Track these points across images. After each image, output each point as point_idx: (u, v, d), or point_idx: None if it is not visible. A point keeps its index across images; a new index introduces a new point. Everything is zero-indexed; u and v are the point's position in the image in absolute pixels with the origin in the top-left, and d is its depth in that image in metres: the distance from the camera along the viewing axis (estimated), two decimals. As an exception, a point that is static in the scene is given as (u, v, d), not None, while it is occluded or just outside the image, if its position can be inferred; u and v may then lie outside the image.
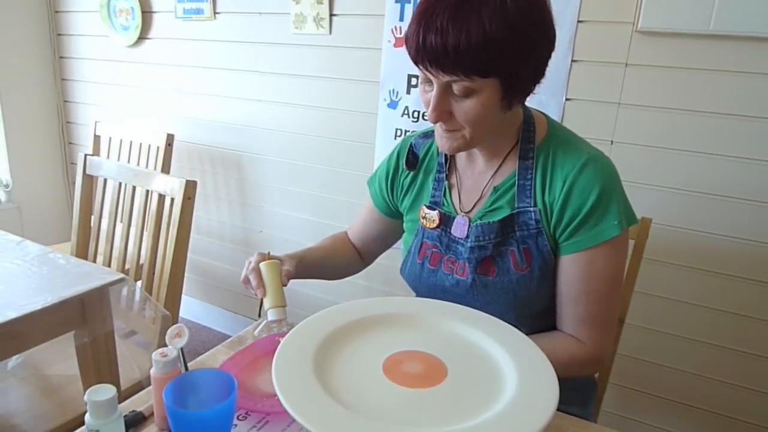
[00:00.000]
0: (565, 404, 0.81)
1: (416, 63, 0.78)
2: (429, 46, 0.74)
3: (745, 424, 1.55)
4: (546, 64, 0.81)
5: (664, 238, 1.51)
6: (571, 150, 0.86)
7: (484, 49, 0.72)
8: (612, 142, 1.53)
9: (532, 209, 0.86)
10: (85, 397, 0.63)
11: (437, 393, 0.62)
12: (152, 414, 0.76)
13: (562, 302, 0.90)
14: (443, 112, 0.80)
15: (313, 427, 0.54)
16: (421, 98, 0.84)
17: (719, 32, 1.33)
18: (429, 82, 0.80)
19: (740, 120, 1.38)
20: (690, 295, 1.54)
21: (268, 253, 0.95)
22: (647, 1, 1.38)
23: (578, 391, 1.05)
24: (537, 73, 0.81)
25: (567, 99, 1.56)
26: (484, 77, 0.75)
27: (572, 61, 1.54)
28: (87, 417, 0.63)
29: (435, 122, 0.82)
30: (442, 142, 0.86)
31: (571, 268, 0.86)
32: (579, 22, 1.50)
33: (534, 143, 0.88)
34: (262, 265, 0.91)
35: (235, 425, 0.75)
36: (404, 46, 0.80)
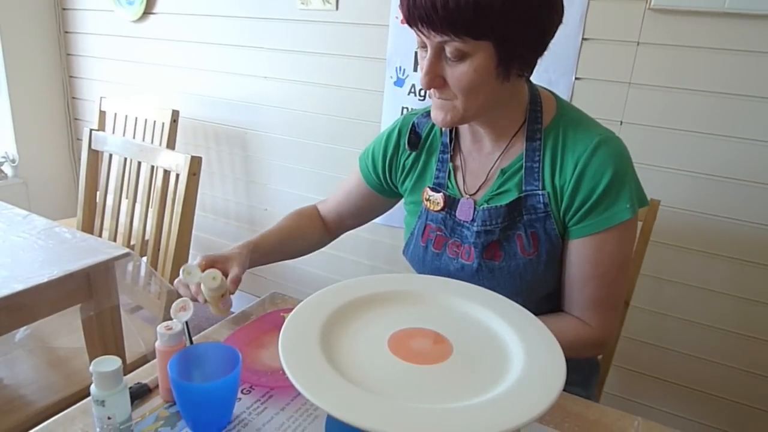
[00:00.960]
0: (568, 385, 0.81)
1: (409, 24, 0.76)
2: (419, 3, 0.71)
3: (747, 407, 1.55)
4: (548, 35, 0.77)
5: (672, 221, 1.49)
6: (582, 131, 0.84)
7: (474, 8, 0.69)
8: (621, 122, 1.51)
9: (540, 192, 0.84)
10: (91, 368, 0.63)
11: (443, 369, 0.62)
12: (157, 386, 0.76)
13: (569, 285, 0.88)
14: (436, 77, 0.77)
15: (320, 401, 0.54)
16: (419, 68, 0.80)
17: (734, 10, 1.30)
18: (424, 46, 0.77)
19: (755, 101, 1.36)
20: (696, 279, 1.53)
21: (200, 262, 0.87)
22: (662, -23, 1.35)
23: (581, 372, 1.05)
24: (537, 44, 0.77)
25: (576, 78, 1.54)
26: (476, 39, 0.72)
27: (583, 39, 1.51)
28: (92, 388, 0.63)
29: (427, 87, 0.79)
30: (435, 114, 0.83)
31: (580, 251, 0.85)
32: (591, -1, 1.47)
33: (541, 124, 0.86)
34: (202, 283, 0.83)
35: (240, 399, 0.75)
36: None
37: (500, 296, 0.75)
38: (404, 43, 1.77)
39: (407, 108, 1.83)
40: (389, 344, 0.65)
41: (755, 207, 1.41)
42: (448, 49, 0.74)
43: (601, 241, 0.83)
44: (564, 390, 0.79)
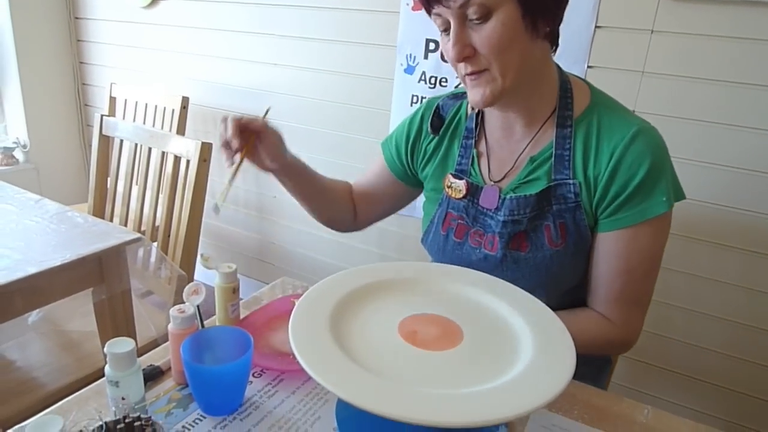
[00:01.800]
0: (578, 378, 0.81)
1: (428, 1, 0.75)
2: None
3: (753, 398, 1.55)
4: None
5: (682, 211, 1.48)
6: (618, 119, 0.81)
7: None
8: (634, 111, 1.49)
9: (571, 181, 0.82)
10: (105, 349, 0.64)
11: (452, 355, 0.62)
12: (169, 369, 0.77)
13: (597, 279, 0.86)
14: (465, 46, 0.75)
15: (329, 385, 0.54)
16: (444, 54, 0.79)
17: (752, -2, 1.29)
18: (446, 29, 0.76)
19: (769, 91, 1.34)
20: (704, 270, 1.52)
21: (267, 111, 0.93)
22: (678, -36, 1.33)
23: (592, 365, 1.03)
24: None
25: (589, 66, 1.52)
26: None
27: (596, 27, 1.49)
28: (107, 368, 0.64)
29: (458, 59, 0.77)
30: (473, 94, 0.80)
31: (612, 245, 0.82)
32: (605, -14, 1.45)
33: (572, 110, 0.84)
34: (217, 288, 0.83)
35: (251, 382, 0.76)
36: (422, 9, 0.76)
37: (511, 285, 0.75)
38: (415, 31, 1.76)
39: (417, 95, 1.82)
40: (399, 329, 0.66)
41: (766, 198, 1.40)
42: (471, 11, 0.72)
43: (634, 235, 0.81)
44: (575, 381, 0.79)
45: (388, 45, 1.83)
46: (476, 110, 0.92)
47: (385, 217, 1.13)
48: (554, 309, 0.73)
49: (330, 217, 1.08)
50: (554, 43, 0.82)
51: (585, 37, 1.51)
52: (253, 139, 0.88)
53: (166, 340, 0.76)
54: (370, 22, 1.85)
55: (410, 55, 1.79)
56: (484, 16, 0.72)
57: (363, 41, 1.88)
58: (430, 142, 0.97)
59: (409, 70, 1.81)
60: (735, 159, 1.42)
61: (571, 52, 1.53)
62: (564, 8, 0.78)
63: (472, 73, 0.77)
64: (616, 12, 1.46)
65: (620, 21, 1.46)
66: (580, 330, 0.81)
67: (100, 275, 1.23)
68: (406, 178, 1.04)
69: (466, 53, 0.76)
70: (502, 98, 0.80)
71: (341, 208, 1.07)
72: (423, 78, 1.79)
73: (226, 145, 0.85)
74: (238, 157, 0.85)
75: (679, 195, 0.83)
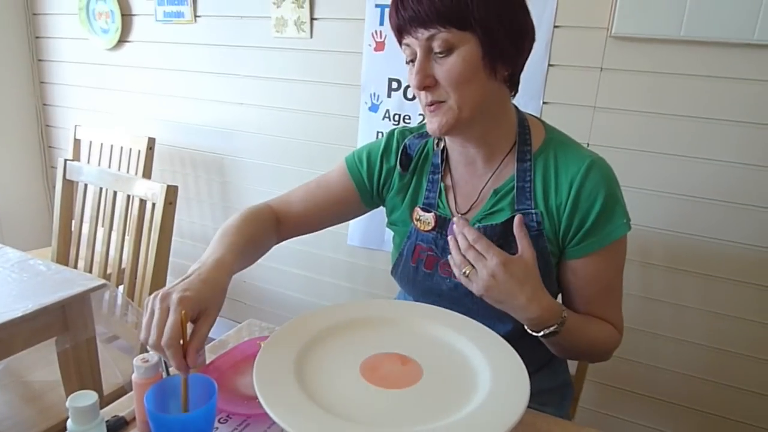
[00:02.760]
0: (541, 405, 0.84)
1: (399, 32, 0.82)
2: (407, 4, 0.79)
3: (720, 418, 1.60)
4: (526, 39, 0.83)
5: (639, 239, 1.54)
6: (573, 153, 0.88)
7: None
8: (588, 144, 1.57)
9: (533, 211, 0.88)
10: (67, 404, 0.63)
11: (412, 393, 0.64)
12: (134, 419, 0.77)
13: (578, 301, 0.92)
14: (427, 76, 0.81)
15: (294, 430, 0.55)
16: (410, 82, 0.84)
17: (690, 38, 1.37)
18: (412, 60, 0.82)
19: (712, 123, 1.43)
20: (664, 294, 1.58)
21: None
22: (621, 7, 1.41)
23: (555, 392, 1.06)
24: (517, 42, 0.82)
25: (544, 102, 1.60)
26: (461, 29, 0.77)
27: (549, 65, 1.57)
28: (69, 423, 0.64)
29: (420, 87, 0.82)
30: (431, 123, 0.85)
31: (587, 269, 0.89)
32: (555, 27, 1.53)
33: (530, 146, 0.90)
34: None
35: (217, 428, 0.76)
36: (383, 50, 0.82)
37: (468, 318, 0.78)
38: (377, 71, 1.82)
39: (382, 132, 1.86)
40: (361, 370, 0.67)
41: (720, 224, 1.47)
42: (436, 44, 0.79)
43: (604, 257, 0.88)
44: (538, 410, 0.81)
45: (353, 84, 1.88)
46: (441, 147, 0.97)
47: (321, 227, 1.08)
48: (523, 334, 0.76)
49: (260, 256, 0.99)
50: (513, 88, 0.89)
51: (539, 74, 1.58)
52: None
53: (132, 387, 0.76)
54: (334, 63, 1.90)
55: (374, 93, 1.84)
56: (447, 50, 0.79)
57: (328, 81, 1.93)
58: (400, 177, 1.00)
59: (374, 108, 1.86)
60: (686, 187, 1.49)
61: (527, 89, 1.60)
62: (524, 56, 0.85)
63: (431, 104, 0.84)
64: (567, 51, 1.54)
65: (571, 59, 1.54)
66: (606, 340, 0.92)
67: (63, 324, 1.21)
68: (365, 192, 1.04)
69: (427, 83, 0.82)
70: (458, 128, 0.85)
71: (268, 247, 1.00)
72: (387, 115, 1.84)
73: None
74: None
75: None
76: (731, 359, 1.54)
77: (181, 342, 0.68)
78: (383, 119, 1.85)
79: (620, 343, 0.95)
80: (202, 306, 0.71)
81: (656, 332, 1.61)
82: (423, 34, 0.79)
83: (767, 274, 1.46)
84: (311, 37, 1.91)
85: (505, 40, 0.80)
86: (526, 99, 1.60)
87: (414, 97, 1.76)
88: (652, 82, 1.47)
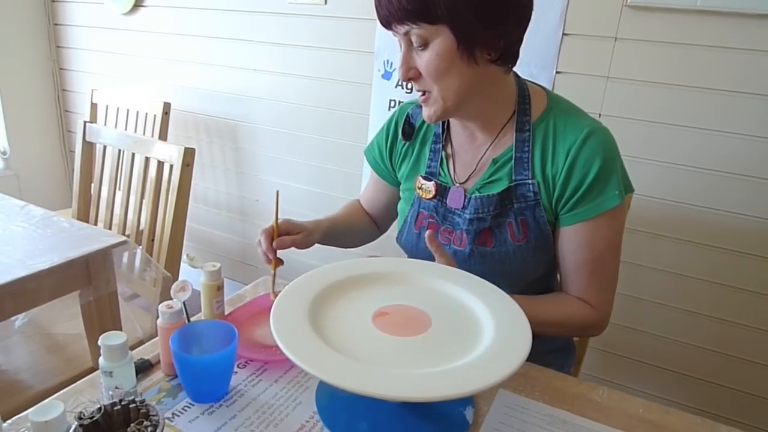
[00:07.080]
0: (544, 366, 0.88)
1: (383, 26, 0.84)
2: (382, 2, 0.81)
3: (717, 386, 1.64)
4: (505, 15, 0.80)
5: (646, 209, 1.56)
6: (572, 122, 0.88)
7: None
8: (600, 114, 1.57)
9: (530, 181, 0.89)
10: (99, 342, 0.68)
11: (421, 340, 0.68)
12: (158, 362, 0.82)
13: (566, 270, 0.93)
14: (409, 69, 0.84)
15: (310, 367, 0.59)
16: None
17: (706, 8, 1.37)
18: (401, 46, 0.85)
19: (725, 95, 1.43)
20: (668, 264, 1.60)
21: (275, 223, 0.97)
22: (637, -25, 1.40)
23: (557, 353, 1.10)
24: (494, 22, 0.79)
25: (557, 72, 1.60)
26: (431, 23, 0.78)
27: (563, 34, 1.56)
28: (101, 360, 0.69)
29: (404, 78, 0.86)
30: (423, 112, 0.89)
31: (574, 237, 0.90)
32: (570, -5, 1.53)
33: (530, 116, 0.90)
34: (202, 286, 0.88)
35: (236, 372, 0.81)
36: None
37: (473, 275, 0.81)
38: (391, 38, 1.80)
39: (394, 100, 1.88)
40: (373, 319, 0.71)
41: (724, 195, 1.49)
42: (413, 39, 0.81)
43: (594, 227, 0.88)
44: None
45: (366, 51, 1.88)
46: None
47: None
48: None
49: (361, 242, 1.20)
50: (508, 62, 0.86)
51: (553, 44, 1.58)
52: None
53: (157, 334, 0.80)
54: (348, 29, 1.90)
55: (387, 61, 1.85)
56: (423, 45, 0.81)
57: (341, 47, 1.94)
58: (403, 146, 1.05)
59: (387, 75, 1.87)
60: (696, 159, 1.49)
61: (540, 59, 1.60)
62: (514, 33, 0.83)
63: (421, 93, 0.87)
64: (582, 20, 1.54)
65: (586, 28, 1.54)
66: (568, 316, 0.92)
67: (87, 278, 1.26)
68: (394, 182, 1.11)
69: (410, 75, 0.85)
70: (448, 116, 0.90)
71: (366, 232, 1.20)
72: (400, 83, 1.85)
73: (264, 256, 0.97)
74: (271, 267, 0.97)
75: (629, 188, 0.92)
76: (733, 329, 1.57)
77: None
78: (396, 87, 1.86)
79: (600, 323, 0.95)
80: (294, 229, 0.99)
81: (660, 302, 1.64)
82: (400, 29, 0.81)
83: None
84: (325, 3, 1.91)
85: (479, 27, 0.78)
86: (538, 68, 1.60)
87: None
88: (666, 53, 1.46)
